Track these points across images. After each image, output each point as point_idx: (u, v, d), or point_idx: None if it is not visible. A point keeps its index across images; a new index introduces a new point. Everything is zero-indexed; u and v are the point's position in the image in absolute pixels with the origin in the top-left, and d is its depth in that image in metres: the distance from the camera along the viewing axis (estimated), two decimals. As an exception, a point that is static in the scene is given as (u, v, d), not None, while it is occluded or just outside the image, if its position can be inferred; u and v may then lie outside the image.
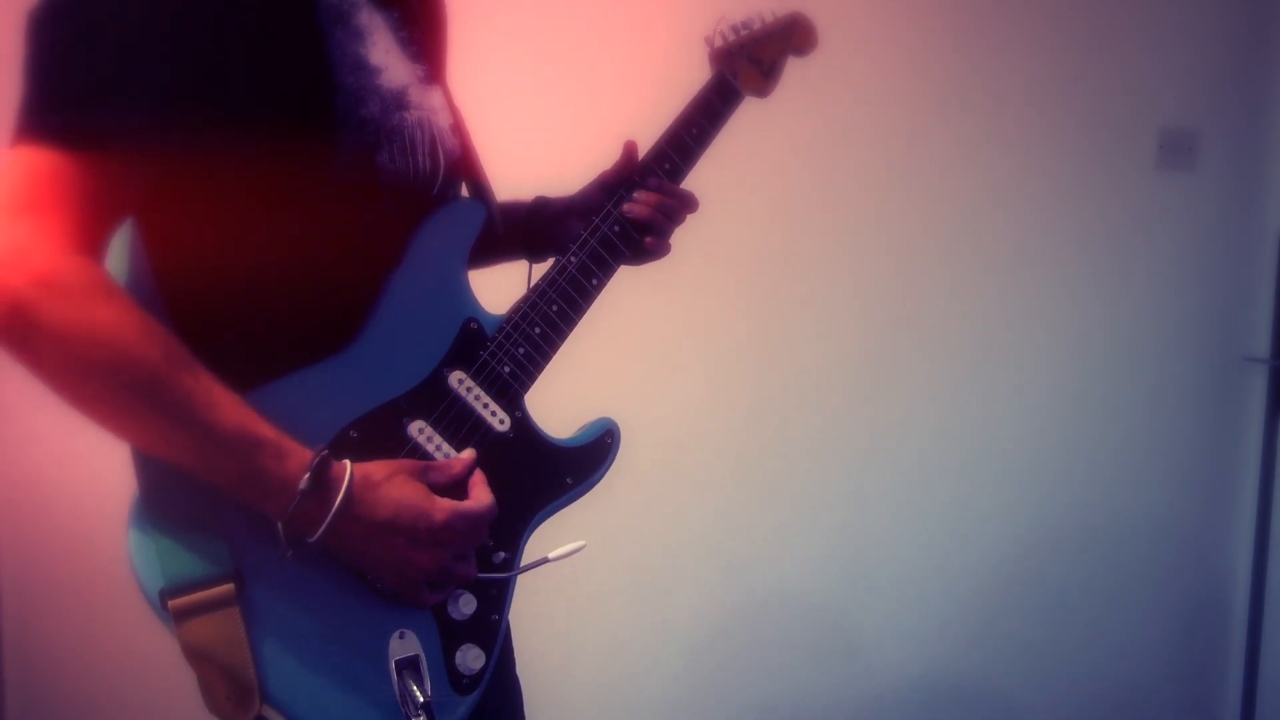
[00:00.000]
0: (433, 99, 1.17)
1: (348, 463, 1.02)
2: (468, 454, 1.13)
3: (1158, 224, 2.71)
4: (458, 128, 1.22)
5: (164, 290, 1.06)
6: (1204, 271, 2.75)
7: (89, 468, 2.26)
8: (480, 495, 1.11)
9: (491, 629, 1.15)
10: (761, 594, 2.65)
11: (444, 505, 1.06)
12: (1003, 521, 2.72)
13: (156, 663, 2.28)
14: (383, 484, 1.04)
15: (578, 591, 2.49)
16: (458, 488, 1.11)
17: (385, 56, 1.10)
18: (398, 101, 1.09)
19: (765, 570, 2.65)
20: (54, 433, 2.31)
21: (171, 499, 1.02)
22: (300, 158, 1.03)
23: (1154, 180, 2.69)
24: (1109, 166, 2.67)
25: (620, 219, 1.29)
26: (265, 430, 0.99)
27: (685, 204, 1.35)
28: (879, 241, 2.60)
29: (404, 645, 1.09)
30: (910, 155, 2.59)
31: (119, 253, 1.07)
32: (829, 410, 2.63)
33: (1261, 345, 2.75)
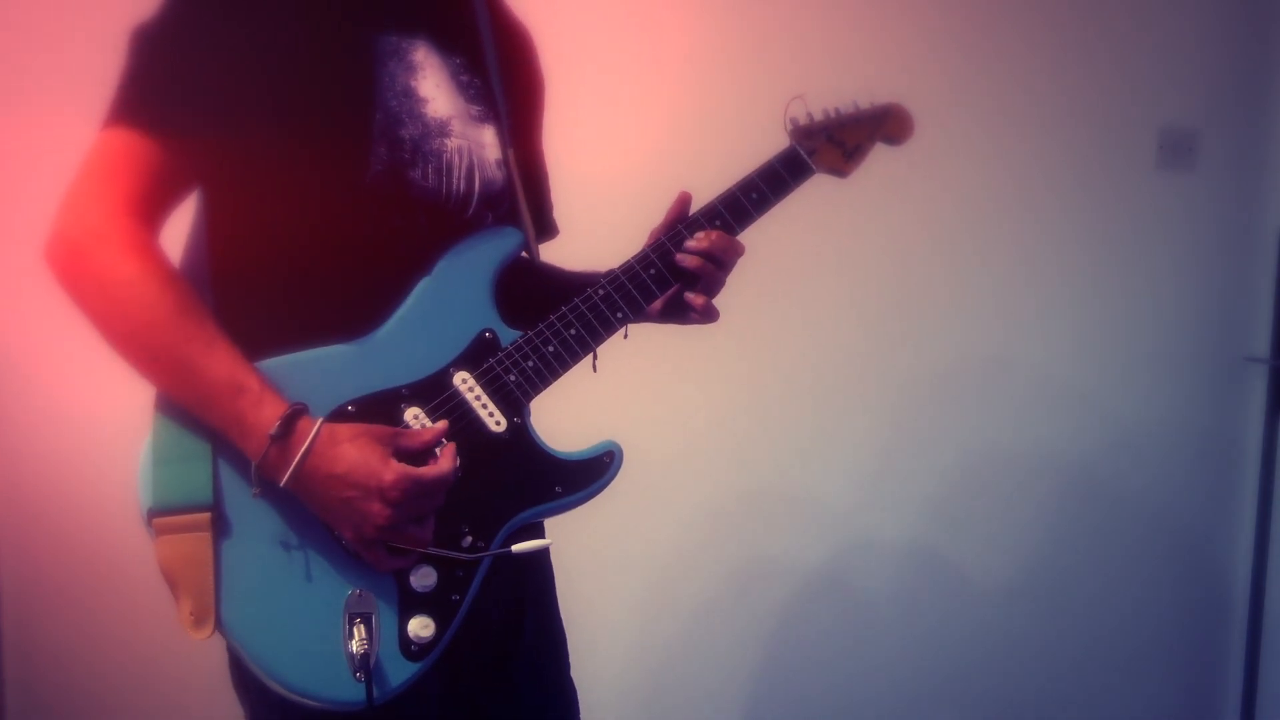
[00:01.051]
0: (481, 134, 1.29)
1: (319, 420, 1.15)
2: (440, 424, 1.21)
3: (1158, 224, 2.71)
4: (507, 164, 1.31)
5: (213, 259, 1.22)
6: (1204, 271, 2.75)
7: (89, 468, 2.26)
8: (442, 464, 1.18)
9: (450, 608, 1.21)
10: (765, 595, 2.66)
11: (396, 467, 1.15)
12: (1003, 522, 2.72)
13: (156, 663, 2.29)
14: (344, 442, 1.14)
15: (582, 592, 2.49)
16: (426, 455, 1.19)
17: (435, 90, 1.24)
18: (440, 129, 1.23)
19: (767, 571, 2.65)
20: (54, 433, 2.31)
21: (174, 434, 1.17)
22: (337, 161, 1.18)
23: (1154, 180, 2.69)
24: (1109, 166, 2.67)
25: (658, 263, 1.33)
26: (252, 380, 1.14)
27: (734, 250, 1.37)
28: (878, 242, 2.60)
29: (361, 602, 1.16)
30: (909, 155, 2.57)
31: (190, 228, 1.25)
32: (829, 413, 2.63)
33: (1261, 345, 2.75)
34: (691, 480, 2.59)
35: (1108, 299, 2.71)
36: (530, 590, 1.39)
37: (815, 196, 2.52)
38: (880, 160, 2.54)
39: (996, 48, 2.60)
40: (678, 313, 1.39)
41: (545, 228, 1.46)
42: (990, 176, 2.63)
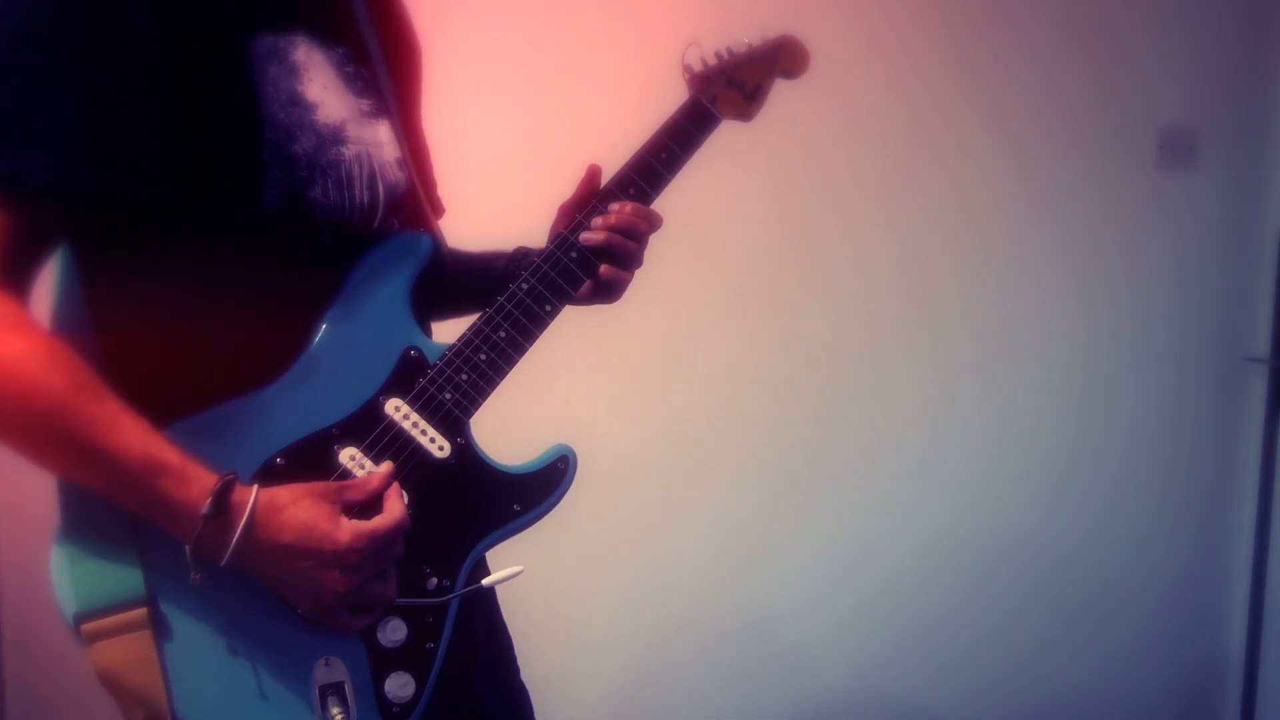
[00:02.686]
0: (377, 133, 1.17)
1: (254, 487, 1.03)
2: (384, 467, 1.11)
3: (1158, 224, 2.71)
4: (406, 161, 1.21)
5: (96, 316, 1.08)
6: (1204, 271, 2.75)
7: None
8: (390, 510, 1.08)
9: (426, 657, 1.13)
10: (764, 596, 2.66)
11: (348, 526, 1.04)
12: (1003, 522, 2.72)
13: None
14: (288, 507, 1.03)
15: (578, 596, 2.49)
16: (376, 504, 1.09)
17: (323, 92, 1.11)
18: (334, 136, 1.11)
19: (767, 573, 2.65)
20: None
21: (88, 523, 1.04)
22: (225, 193, 1.05)
23: (1154, 180, 2.69)
24: (1109, 166, 2.67)
25: (578, 245, 1.25)
26: (170, 455, 1.00)
27: (648, 221, 1.29)
28: (879, 242, 2.60)
29: (329, 672, 1.08)
30: (911, 155, 2.59)
31: (57, 281, 1.11)
32: (829, 414, 2.63)
33: (1261, 345, 2.75)
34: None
35: (1107, 299, 2.71)
36: (476, 604, 1.31)
37: (817, 198, 2.54)
38: (882, 159, 2.56)
39: (997, 48, 2.60)
40: (605, 292, 1.29)
41: (434, 208, 1.34)
42: (990, 176, 2.63)
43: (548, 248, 1.25)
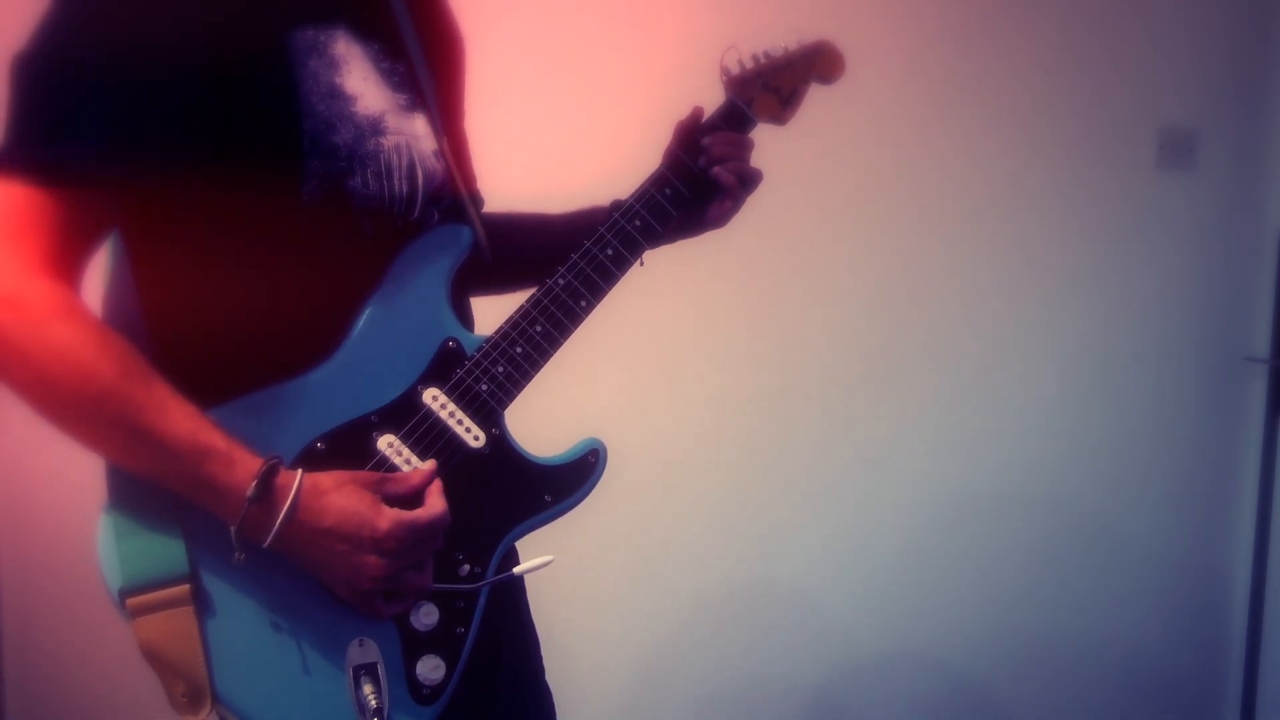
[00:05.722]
0: (414, 125, 1.19)
1: (299, 472, 1.07)
2: (427, 465, 1.15)
3: (1158, 224, 2.71)
4: (444, 153, 1.23)
5: (144, 303, 1.12)
6: (1204, 271, 2.75)
7: (91, 466, 2.25)
8: (433, 504, 1.11)
9: (456, 641, 1.16)
10: (766, 596, 2.66)
11: (389, 514, 1.08)
12: (1003, 522, 2.72)
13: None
14: (330, 492, 1.07)
15: (580, 595, 2.49)
16: (416, 498, 1.12)
17: (362, 84, 1.14)
18: (374, 127, 1.13)
19: (769, 573, 2.65)
20: (56, 431, 2.30)
21: (135, 503, 1.08)
22: (266, 183, 1.08)
23: (1154, 180, 2.69)
24: (1109, 166, 2.68)
25: (614, 244, 1.27)
26: (216, 439, 1.04)
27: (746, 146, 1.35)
28: (878, 242, 2.60)
29: (363, 652, 1.11)
30: (911, 155, 2.59)
31: (109, 269, 1.15)
32: (829, 412, 2.63)
33: (1261, 345, 2.75)
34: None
35: (1107, 299, 2.71)
36: (504, 599, 1.33)
37: (818, 198, 2.54)
38: (882, 159, 2.56)
39: (997, 48, 2.60)
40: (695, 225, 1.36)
41: (474, 201, 1.36)
42: (990, 176, 2.63)
43: (585, 244, 1.26)
